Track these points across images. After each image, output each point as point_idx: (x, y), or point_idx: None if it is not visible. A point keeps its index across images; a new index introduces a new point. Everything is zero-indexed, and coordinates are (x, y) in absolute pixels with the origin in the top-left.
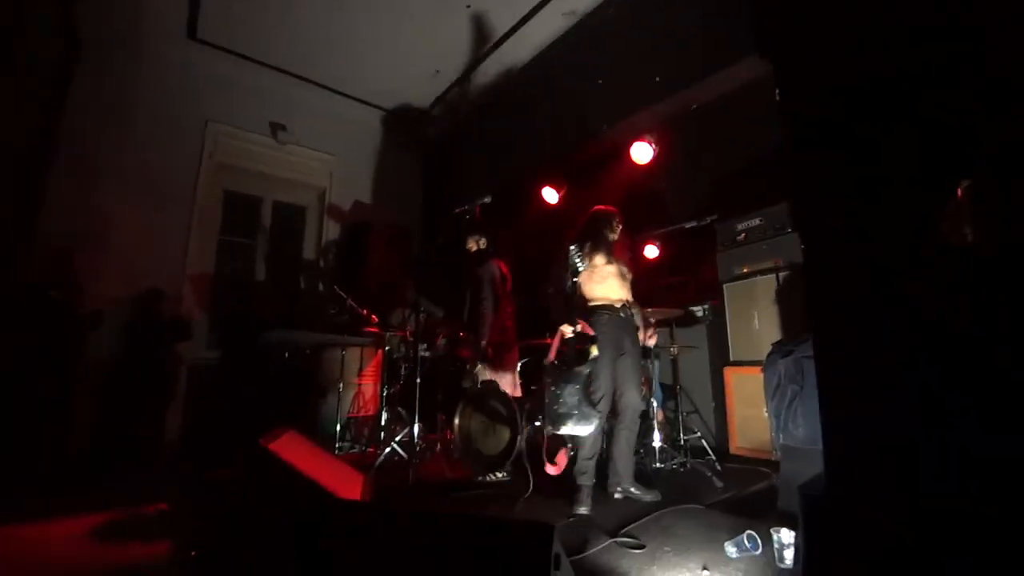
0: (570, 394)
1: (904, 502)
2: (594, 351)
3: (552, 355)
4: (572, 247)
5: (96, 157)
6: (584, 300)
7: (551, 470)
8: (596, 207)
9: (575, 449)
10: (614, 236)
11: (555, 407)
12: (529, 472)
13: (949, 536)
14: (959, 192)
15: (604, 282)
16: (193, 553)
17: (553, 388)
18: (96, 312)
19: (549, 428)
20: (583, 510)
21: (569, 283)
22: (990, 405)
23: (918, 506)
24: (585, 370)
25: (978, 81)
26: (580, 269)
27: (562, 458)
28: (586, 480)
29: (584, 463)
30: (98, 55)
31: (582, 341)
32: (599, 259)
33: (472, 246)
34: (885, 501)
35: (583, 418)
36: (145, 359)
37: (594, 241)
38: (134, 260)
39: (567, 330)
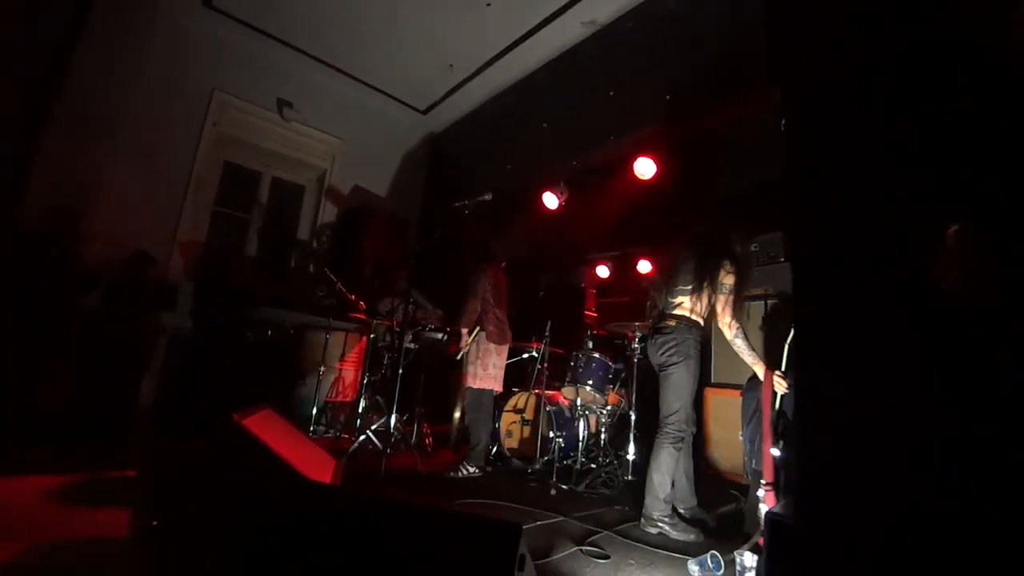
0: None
1: (869, 535)
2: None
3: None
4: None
5: (97, 113)
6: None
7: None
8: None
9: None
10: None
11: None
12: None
13: None
14: (948, 234)
15: None
16: (154, 523)
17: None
18: (91, 276)
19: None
20: None
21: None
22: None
23: (879, 540)
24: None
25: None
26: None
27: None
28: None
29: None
30: (111, 10)
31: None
32: None
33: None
34: (849, 531)
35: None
36: (125, 322)
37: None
38: (124, 221)
39: (782, 385)
